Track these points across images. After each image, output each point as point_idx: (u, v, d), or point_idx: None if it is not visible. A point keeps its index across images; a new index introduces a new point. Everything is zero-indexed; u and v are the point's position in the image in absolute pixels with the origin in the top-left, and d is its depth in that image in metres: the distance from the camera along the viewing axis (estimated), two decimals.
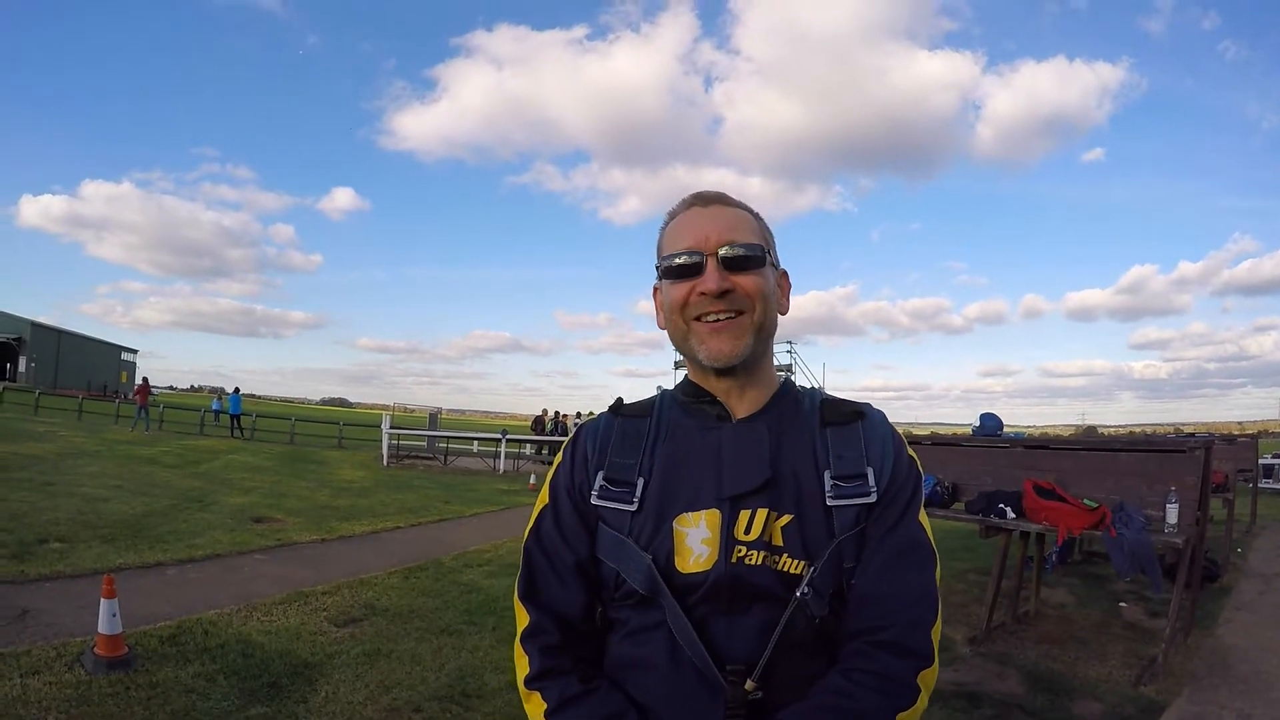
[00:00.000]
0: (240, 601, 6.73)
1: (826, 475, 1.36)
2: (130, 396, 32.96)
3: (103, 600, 5.00)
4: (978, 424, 9.19)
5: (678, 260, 1.40)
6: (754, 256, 1.40)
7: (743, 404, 1.44)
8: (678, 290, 1.41)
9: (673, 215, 1.50)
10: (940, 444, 8.86)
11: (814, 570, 1.30)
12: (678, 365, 35.74)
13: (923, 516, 1.41)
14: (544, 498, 1.49)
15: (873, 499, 1.35)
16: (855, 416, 1.44)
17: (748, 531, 1.31)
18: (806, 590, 1.28)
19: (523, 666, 1.38)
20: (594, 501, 1.41)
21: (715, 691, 1.27)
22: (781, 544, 1.32)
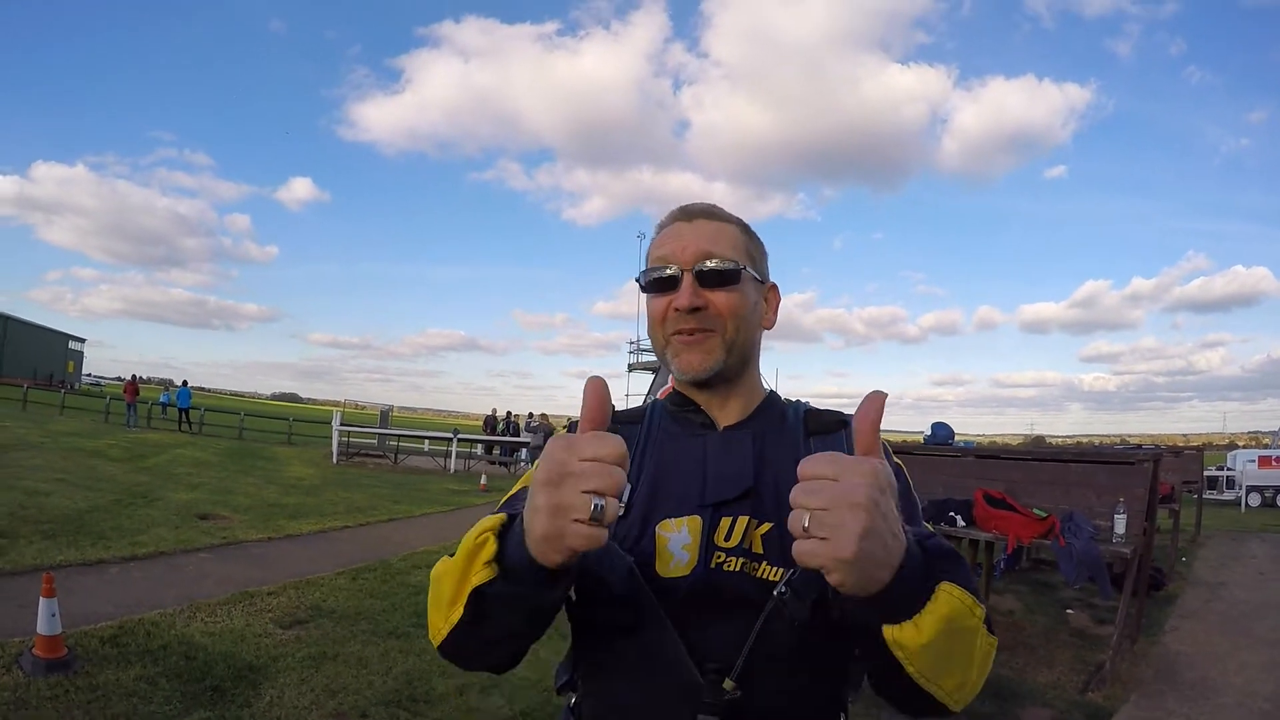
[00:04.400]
0: (184, 601, 6.58)
1: None
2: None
3: (42, 599, 4.87)
4: (929, 433, 9.29)
5: (654, 274, 1.41)
6: (729, 272, 1.39)
7: (726, 413, 1.45)
8: (656, 304, 1.42)
9: (660, 227, 1.50)
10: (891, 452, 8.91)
11: (793, 572, 1.24)
12: (631, 369, 35.66)
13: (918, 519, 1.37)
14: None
15: None
16: (839, 425, 1.43)
17: (728, 538, 1.31)
18: (784, 590, 1.23)
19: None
20: None
21: (690, 692, 1.25)
22: (762, 551, 1.31)
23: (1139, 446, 13.45)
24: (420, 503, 15.30)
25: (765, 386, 1.54)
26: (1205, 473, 18.38)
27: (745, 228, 1.50)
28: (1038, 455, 7.72)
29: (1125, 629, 6.42)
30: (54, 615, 4.85)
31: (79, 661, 4.94)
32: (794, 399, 1.57)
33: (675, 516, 1.34)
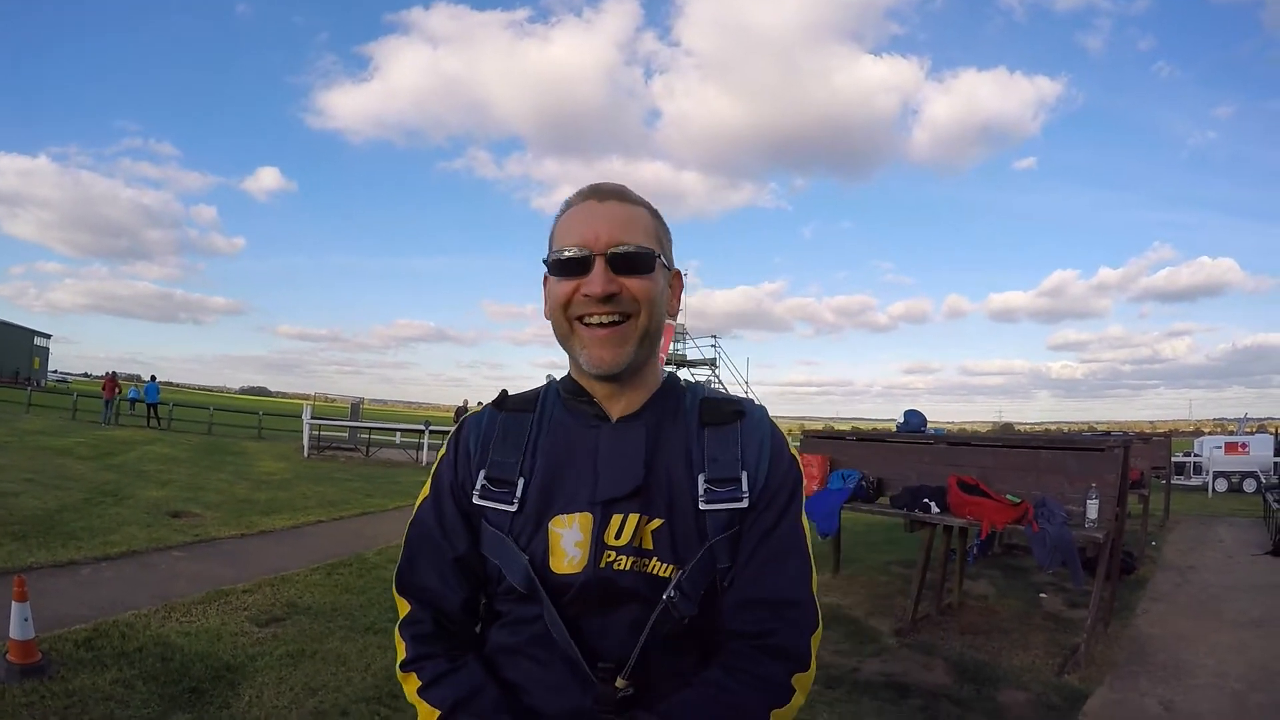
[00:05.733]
0: (158, 601, 6.51)
1: (700, 478, 1.37)
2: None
3: (14, 603, 4.78)
4: (902, 420, 9.34)
5: (565, 254, 1.37)
6: (644, 258, 1.37)
7: (619, 404, 1.44)
8: (563, 288, 1.38)
9: (568, 205, 1.46)
10: (865, 439, 8.97)
11: (682, 574, 1.32)
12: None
13: (802, 518, 1.43)
14: (426, 490, 1.50)
15: (744, 504, 1.36)
16: (734, 416, 1.44)
17: (618, 536, 1.33)
18: (673, 594, 1.31)
19: (400, 652, 1.42)
20: (476, 501, 1.41)
21: (587, 684, 1.31)
22: (651, 548, 1.34)
23: (1108, 433, 13.57)
24: (393, 495, 15.19)
25: (663, 371, 1.54)
26: (1173, 459, 18.67)
27: (655, 213, 1.48)
28: (1010, 442, 7.80)
29: (1098, 612, 6.50)
30: (27, 620, 4.76)
31: (54, 666, 4.86)
32: (695, 381, 1.61)
33: (567, 513, 1.36)
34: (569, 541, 1.34)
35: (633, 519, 1.34)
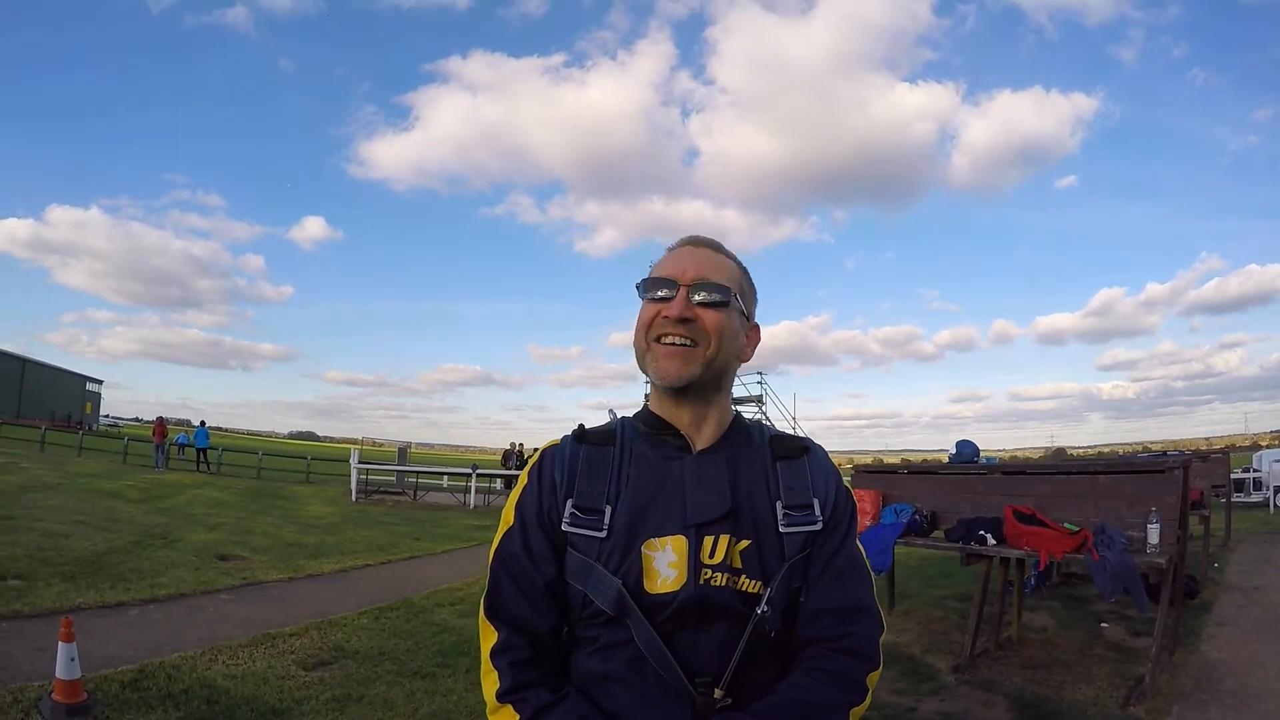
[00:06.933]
0: (205, 644, 6.51)
1: (779, 505, 1.52)
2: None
3: (60, 644, 4.77)
4: (954, 451, 9.19)
5: (653, 282, 1.55)
6: (721, 298, 1.53)
7: (701, 436, 1.56)
8: (648, 311, 1.54)
9: (668, 250, 1.64)
10: (917, 472, 8.83)
11: (770, 590, 1.45)
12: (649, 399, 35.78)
13: (858, 539, 1.61)
14: (508, 519, 1.57)
15: (818, 526, 1.52)
16: (801, 452, 1.59)
17: (712, 555, 1.44)
18: (765, 609, 1.43)
19: (492, 682, 1.44)
20: (564, 528, 1.49)
21: (681, 700, 1.39)
22: (741, 566, 1.46)
23: (1164, 453, 13.27)
24: (441, 539, 15.24)
25: (732, 410, 1.65)
26: (1232, 475, 18.22)
27: (743, 268, 1.66)
28: (1065, 468, 7.60)
29: (1163, 640, 6.28)
30: (73, 660, 4.76)
31: (99, 706, 4.85)
32: (757, 419, 1.70)
33: (659, 536, 1.45)
34: (662, 563, 1.44)
35: (724, 540, 1.45)
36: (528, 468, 1.61)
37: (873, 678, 1.47)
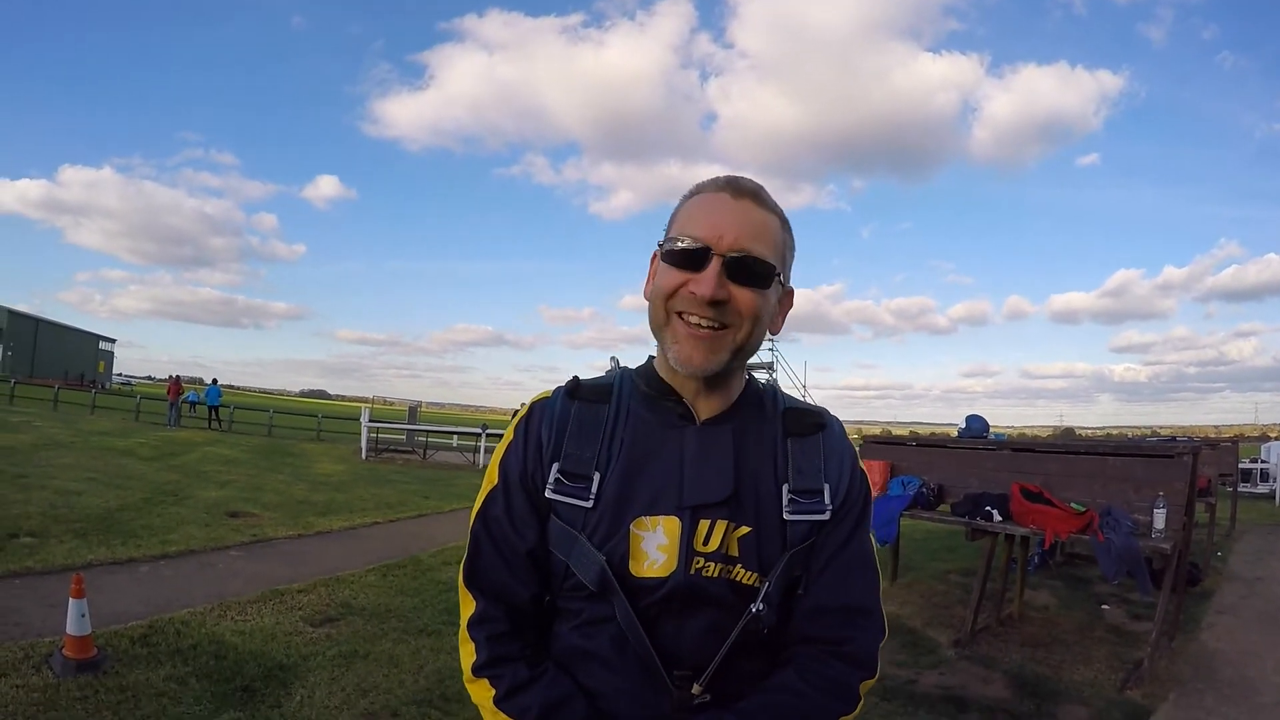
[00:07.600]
0: (214, 600, 6.59)
1: (785, 489, 1.36)
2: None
3: (71, 600, 4.84)
4: (964, 425, 9.17)
5: (681, 244, 1.29)
6: (762, 272, 1.30)
7: (707, 406, 1.39)
8: (671, 277, 1.30)
9: (698, 190, 1.38)
10: (926, 445, 8.84)
11: (769, 584, 1.31)
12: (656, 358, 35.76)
13: (870, 532, 1.45)
14: (491, 478, 1.42)
15: (826, 516, 1.37)
16: (816, 429, 1.42)
17: (706, 542, 1.31)
18: (761, 607, 1.30)
19: (469, 654, 1.36)
20: (548, 494, 1.35)
21: (662, 688, 1.30)
22: (737, 555, 1.32)
23: (1172, 438, 13.24)
24: (450, 498, 15.23)
25: (745, 375, 1.48)
26: (1240, 465, 18.17)
27: (786, 223, 1.39)
28: (1074, 448, 7.60)
29: (1163, 626, 6.29)
30: (83, 616, 4.83)
31: (109, 661, 4.93)
32: (772, 385, 1.57)
33: (650, 515, 1.32)
34: (651, 544, 1.31)
35: (720, 525, 1.31)
36: (514, 420, 1.45)
37: (866, 685, 1.35)
